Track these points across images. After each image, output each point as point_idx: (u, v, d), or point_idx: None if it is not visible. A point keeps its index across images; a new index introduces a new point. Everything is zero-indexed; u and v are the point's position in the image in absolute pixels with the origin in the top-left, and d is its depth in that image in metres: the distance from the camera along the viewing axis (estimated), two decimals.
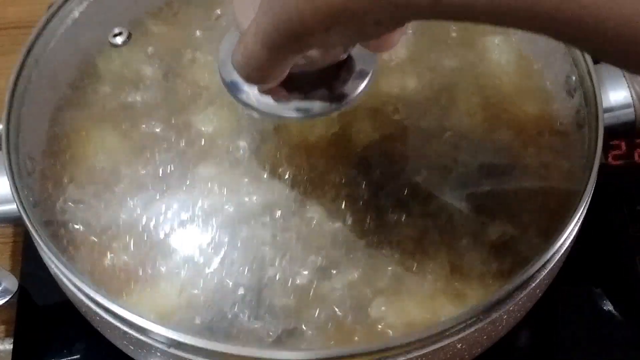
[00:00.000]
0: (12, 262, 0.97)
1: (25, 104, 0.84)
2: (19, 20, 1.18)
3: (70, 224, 0.84)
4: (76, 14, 0.91)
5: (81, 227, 0.84)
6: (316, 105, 0.77)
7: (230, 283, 0.79)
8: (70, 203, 0.84)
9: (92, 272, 0.81)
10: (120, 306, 0.77)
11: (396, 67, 0.94)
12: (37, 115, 0.87)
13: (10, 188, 0.79)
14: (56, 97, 0.91)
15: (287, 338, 0.77)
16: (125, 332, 0.72)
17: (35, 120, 0.87)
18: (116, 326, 0.72)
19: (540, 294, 0.78)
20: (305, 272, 0.80)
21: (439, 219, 0.83)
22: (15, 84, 0.85)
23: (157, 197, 0.86)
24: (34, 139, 0.87)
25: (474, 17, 0.54)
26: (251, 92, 0.78)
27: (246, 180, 0.85)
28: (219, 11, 0.97)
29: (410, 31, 0.96)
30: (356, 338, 0.78)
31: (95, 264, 0.82)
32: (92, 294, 0.75)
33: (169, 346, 0.71)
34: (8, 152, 0.81)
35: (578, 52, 0.86)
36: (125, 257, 0.82)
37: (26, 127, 0.84)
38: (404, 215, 0.84)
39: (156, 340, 0.72)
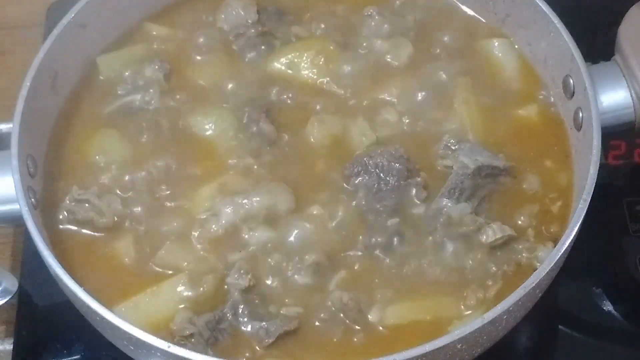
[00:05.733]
0: (12, 262, 0.97)
1: (29, 106, 0.84)
2: (19, 20, 1.17)
3: (71, 225, 0.84)
4: (77, 15, 0.91)
5: (82, 228, 0.84)
6: None
7: (231, 283, 0.80)
8: (72, 204, 0.84)
9: (92, 273, 0.82)
10: (120, 308, 0.78)
11: (398, 70, 0.94)
12: (39, 117, 0.87)
13: (15, 189, 0.79)
14: (58, 99, 0.91)
15: (286, 338, 0.77)
16: (125, 332, 0.72)
17: (37, 122, 0.87)
18: (116, 326, 0.72)
19: (540, 294, 0.78)
20: (305, 273, 0.80)
21: (438, 220, 0.83)
22: (26, 86, 0.85)
23: (159, 198, 0.86)
24: (36, 141, 0.87)
25: None
26: None
27: (247, 181, 0.86)
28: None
29: (411, 33, 0.96)
30: (355, 339, 0.78)
31: (95, 264, 0.83)
32: (92, 294, 0.75)
33: (169, 345, 0.71)
34: (18, 153, 0.81)
35: (576, 54, 0.86)
36: (126, 259, 0.83)
37: (29, 129, 0.84)
38: (403, 217, 0.84)
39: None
